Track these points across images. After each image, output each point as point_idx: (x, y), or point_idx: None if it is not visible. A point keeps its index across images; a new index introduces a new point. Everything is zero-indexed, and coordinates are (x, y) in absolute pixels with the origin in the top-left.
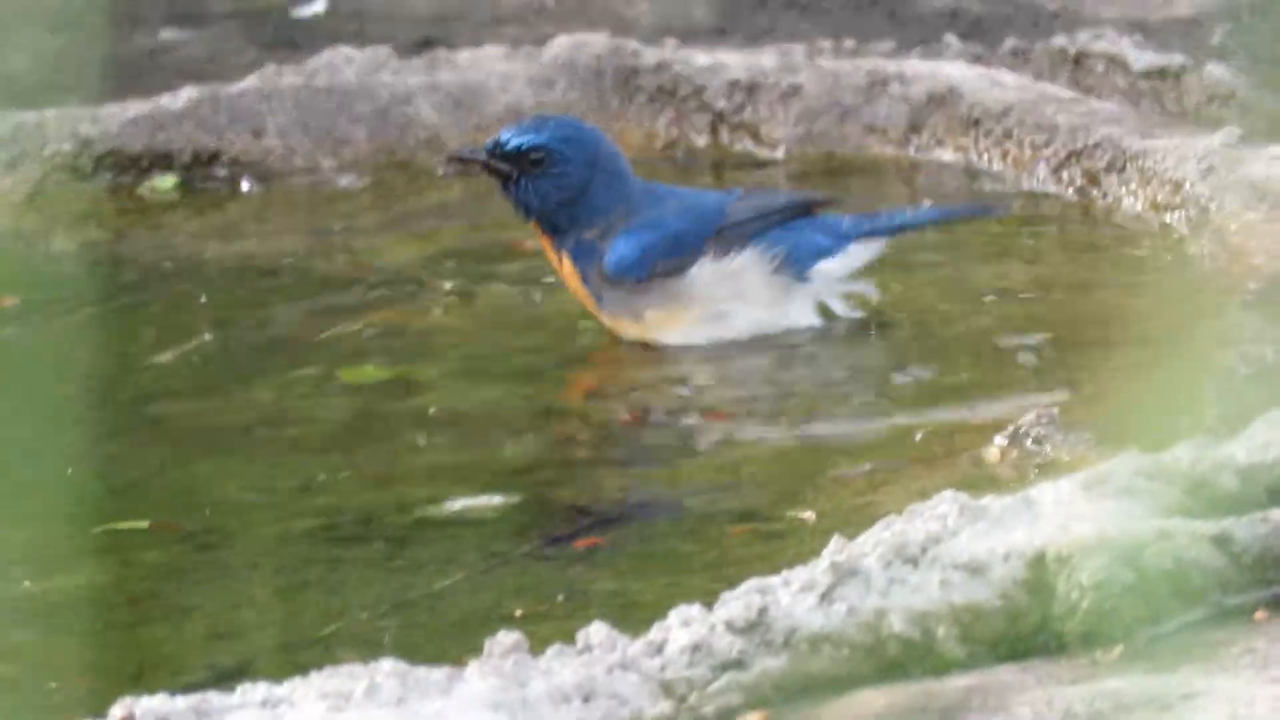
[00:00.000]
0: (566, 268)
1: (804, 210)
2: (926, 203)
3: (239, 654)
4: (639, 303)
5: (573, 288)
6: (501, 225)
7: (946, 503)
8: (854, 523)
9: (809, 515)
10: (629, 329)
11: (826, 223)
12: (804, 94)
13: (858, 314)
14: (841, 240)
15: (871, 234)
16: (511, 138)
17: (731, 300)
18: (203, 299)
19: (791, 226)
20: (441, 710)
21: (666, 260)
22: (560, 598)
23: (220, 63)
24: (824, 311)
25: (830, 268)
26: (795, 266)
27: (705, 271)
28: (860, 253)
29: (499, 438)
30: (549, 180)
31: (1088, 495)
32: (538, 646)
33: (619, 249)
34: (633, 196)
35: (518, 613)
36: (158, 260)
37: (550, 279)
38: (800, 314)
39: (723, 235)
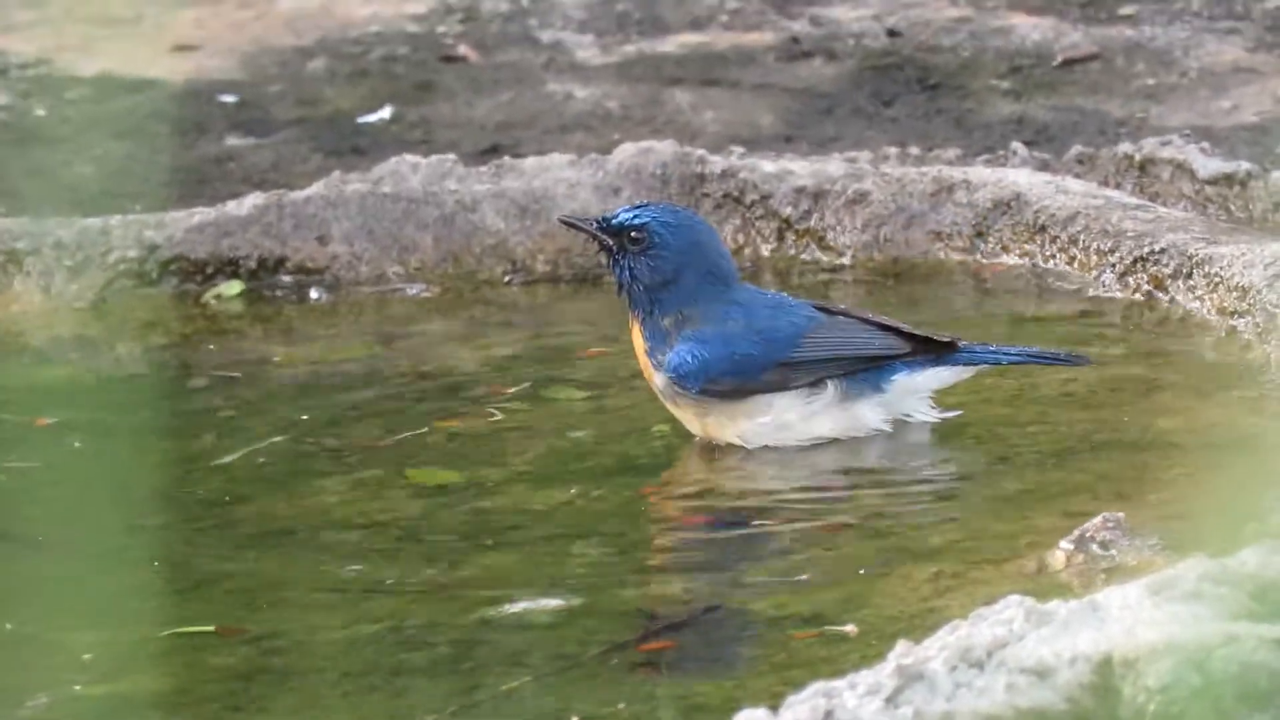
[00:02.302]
0: (637, 337)
1: (882, 359)
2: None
3: None
4: (697, 408)
5: (638, 353)
6: (567, 332)
7: (1012, 607)
8: (920, 626)
9: (850, 629)
10: (682, 415)
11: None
12: (870, 200)
13: (933, 417)
14: (924, 366)
15: (956, 363)
16: (620, 214)
17: (799, 422)
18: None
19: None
20: None
21: (726, 379)
22: (626, 701)
23: (285, 170)
24: (896, 420)
25: (909, 383)
26: (872, 386)
27: (770, 397)
28: (945, 375)
29: (566, 540)
30: (643, 261)
31: (1154, 600)
32: None
33: (681, 354)
34: (718, 299)
35: (585, 715)
36: (223, 366)
37: (617, 385)
38: (871, 422)
39: (791, 366)
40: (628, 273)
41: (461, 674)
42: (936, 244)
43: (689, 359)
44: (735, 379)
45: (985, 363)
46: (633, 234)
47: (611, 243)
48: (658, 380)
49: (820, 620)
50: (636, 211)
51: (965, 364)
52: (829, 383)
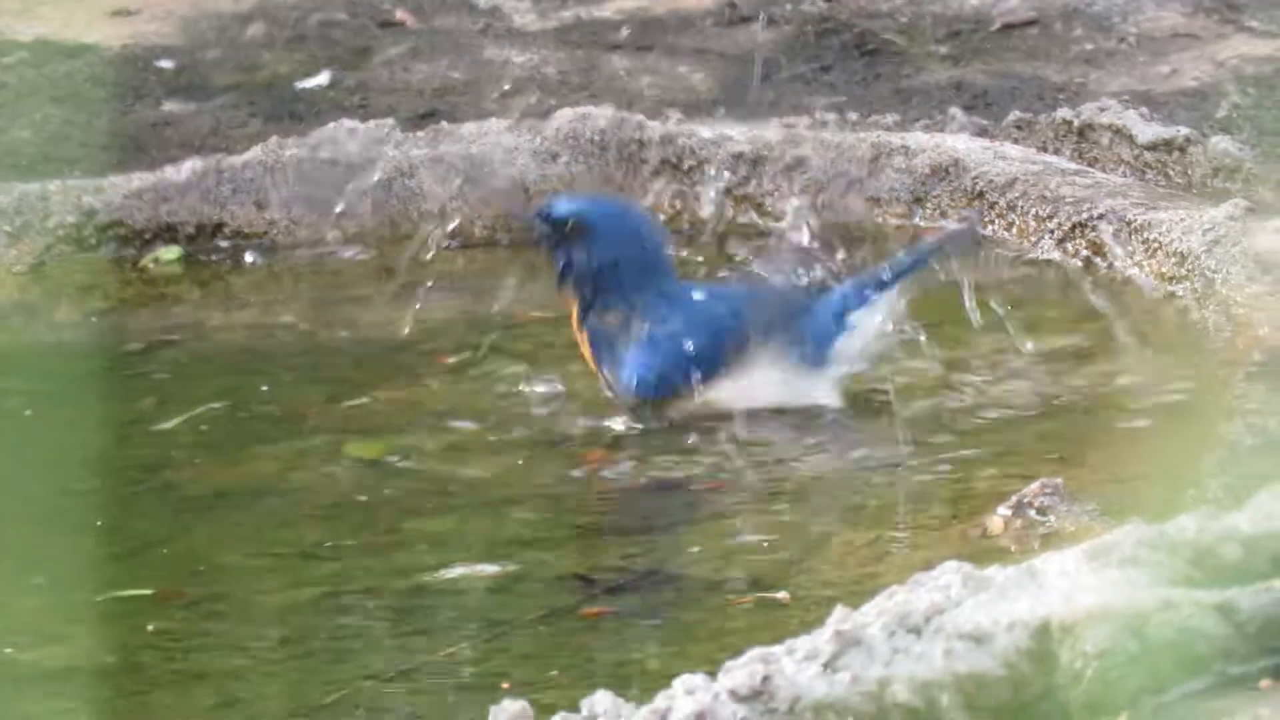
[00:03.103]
0: (584, 345)
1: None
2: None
3: None
4: (654, 414)
5: (588, 360)
6: (504, 298)
7: (950, 573)
8: (858, 592)
9: (783, 595)
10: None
11: (831, 302)
12: (808, 166)
13: (887, 386)
14: (843, 318)
15: (865, 301)
16: (556, 205)
17: (753, 398)
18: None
19: (803, 319)
20: None
21: (683, 382)
22: (564, 666)
23: (223, 135)
24: (848, 391)
25: (845, 347)
26: (815, 356)
27: (725, 385)
28: (867, 322)
29: (505, 506)
30: (579, 252)
31: (1092, 565)
32: (542, 715)
33: (635, 369)
34: (656, 291)
35: (522, 681)
36: (162, 331)
37: (556, 352)
38: (823, 396)
39: (738, 347)
40: (564, 264)
41: (399, 639)
42: (875, 210)
43: (644, 374)
44: (692, 378)
45: (891, 282)
46: (568, 226)
47: (548, 234)
48: (608, 378)
49: (759, 586)
50: (571, 202)
51: (876, 293)
52: (768, 358)
